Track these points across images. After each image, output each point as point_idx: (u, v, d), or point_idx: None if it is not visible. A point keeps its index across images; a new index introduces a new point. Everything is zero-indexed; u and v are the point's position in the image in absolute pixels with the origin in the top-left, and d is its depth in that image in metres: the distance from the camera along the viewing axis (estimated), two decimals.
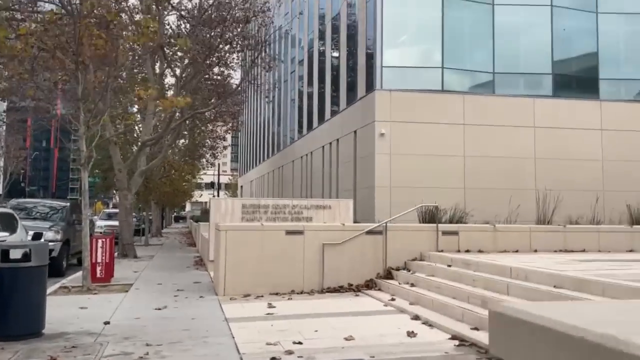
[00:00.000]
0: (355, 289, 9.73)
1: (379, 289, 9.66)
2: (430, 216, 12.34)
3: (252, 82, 20.07)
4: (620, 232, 11.31)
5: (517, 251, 10.42)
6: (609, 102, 20.42)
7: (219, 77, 23.27)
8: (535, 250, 10.51)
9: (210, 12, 18.26)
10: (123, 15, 12.88)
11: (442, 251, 10.11)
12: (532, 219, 18.16)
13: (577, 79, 21.07)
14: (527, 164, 19.62)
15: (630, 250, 10.83)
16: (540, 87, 20.27)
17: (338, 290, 9.74)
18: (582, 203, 19.04)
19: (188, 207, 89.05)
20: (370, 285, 9.88)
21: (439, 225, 10.50)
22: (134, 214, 21.92)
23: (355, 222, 13.85)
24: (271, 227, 10.02)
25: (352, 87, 22.22)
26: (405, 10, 19.75)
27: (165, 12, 18.11)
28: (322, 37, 27.38)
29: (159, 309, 8.26)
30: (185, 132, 25.45)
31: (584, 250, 10.62)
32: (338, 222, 12.81)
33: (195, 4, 17.71)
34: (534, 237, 10.69)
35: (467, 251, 10.23)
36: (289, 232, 9.82)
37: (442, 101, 19.19)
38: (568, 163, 19.76)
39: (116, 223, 21.65)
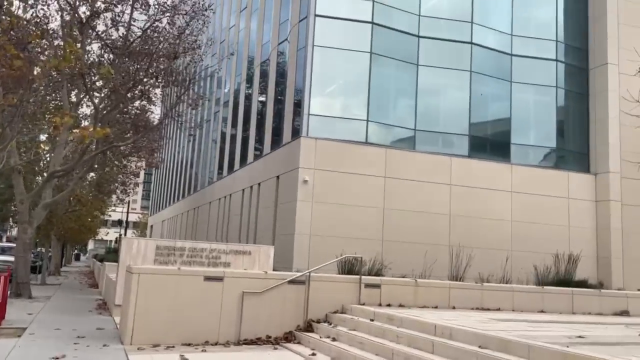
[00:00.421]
0: (273, 342, 9.27)
1: (299, 342, 9.26)
2: (349, 267, 12.22)
3: (176, 118, 19.46)
4: (532, 293, 11.65)
5: (436, 307, 10.43)
6: (519, 166, 21.59)
7: (139, 111, 22.49)
8: (454, 307, 10.57)
9: (136, 44, 17.73)
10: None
11: (364, 304, 9.93)
12: (446, 275, 18.52)
13: (492, 142, 22.18)
14: (443, 220, 20.15)
15: (541, 311, 11.15)
16: (458, 147, 21.11)
17: (256, 342, 9.25)
18: (492, 261, 19.69)
19: (91, 244, 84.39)
20: (289, 337, 9.46)
21: (363, 277, 10.34)
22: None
23: (274, 269, 13.46)
24: (189, 271, 9.43)
25: (277, 132, 22.14)
26: (334, 62, 20.12)
27: (89, 40, 17.37)
28: (249, 80, 27.33)
29: (57, 359, 7.42)
30: (96, 166, 24.18)
31: (499, 309, 10.81)
32: (257, 269, 12.39)
33: (122, 34, 17.13)
34: (452, 293, 10.77)
35: (389, 305, 10.11)
36: (207, 278, 9.28)
37: (365, 153, 19.48)
38: (480, 222, 20.50)
39: (11, 258, 19.84)
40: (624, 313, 11.46)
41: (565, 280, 16.80)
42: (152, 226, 61.14)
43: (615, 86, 22.39)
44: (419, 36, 21.00)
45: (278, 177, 20.91)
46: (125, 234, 52.91)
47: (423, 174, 20.01)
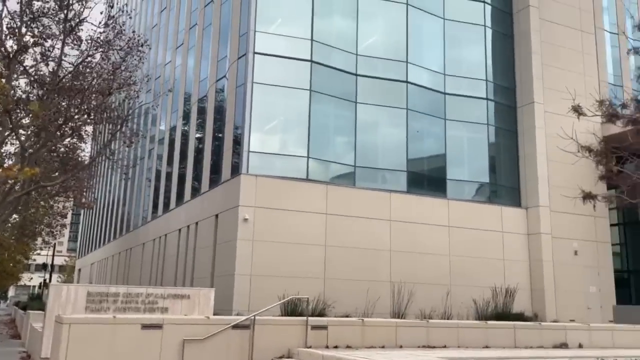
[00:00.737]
0: None
1: None
2: (292, 307, 11.93)
3: (110, 157, 18.69)
4: (476, 329, 11.69)
5: (383, 346, 10.25)
6: (455, 200, 22.07)
7: (68, 149, 21.52)
8: (401, 346, 10.43)
9: (67, 80, 17.04)
10: None
11: (310, 347, 9.62)
12: (388, 312, 18.48)
13: (428, 178, 22.63)
14: (384, 256, 20.18)
15: (486, 346, 11.18)
16: (397, 183, 21.38)
17: None
18: (433, 296, 19.83)
19: (12, 291, 79.29)
20: None
21: (309, 318, 10.04)
22: None
23: (215, 313, 12.92)
24: (125, 320, 8.84)
25: (216, 170, 21.71)
26: (274, 99, 20.08)
27: (15, 75, 16.55)
28: (186, 117, 26.84)
29: None
30: (20, 207, 22.84)
31: (445, 346, 10.76)
32: (197, 313, 11.84)
33: (53, 68, 16.43)
34: (399, 332, 10.64)
35: (336, 347, 9.84)
36: (145, 326, 8.72)
37: (306, 190, 19.35)
38: (420, 257, 20.69)
39: None
40: (563, 345, 11.68)
41: (504, 314, 17.09)
42: (80, 270, 58.17)
43: (542, 124, 23.52)
44: (356, 74, 21.36)
45: (217, 215, 20.39)
46: (50, 279, 50.04)
47: (364, 210, 20.07)
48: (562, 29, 25.24)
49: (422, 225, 21.04)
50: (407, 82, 22.10)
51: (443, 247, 21.34)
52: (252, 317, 9.53)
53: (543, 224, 22.69)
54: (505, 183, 23.80)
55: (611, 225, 24.99)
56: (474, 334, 11.35)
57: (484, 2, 24.40)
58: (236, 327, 9.33)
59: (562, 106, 24.09)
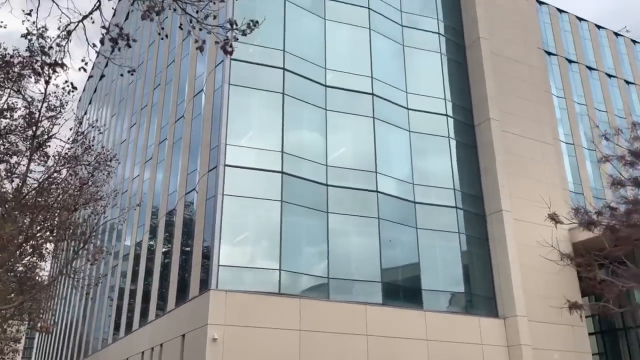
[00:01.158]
0: None
1: None
2: None
3: (72, 276, 17.69)
4: None
5: None
6: (431, 312, 21.43)
7: (27, 269, 20.42)
8: None
9: (30, 197, 16.49)
10: None
11: None
12: None
13: (404, 288, 22.12)
14: None
15: None
16: (372, 294, 20.75)
17: None
18: None
19: None
20: None
21: None
22: None
23: None
24: None
25: (183, 286, 20.79)
26: (244, 211, 19.79)
27: None
28: (153, 231, 26.18)
29: None
30: None
31: None
32: None
33: (18, 185, 15.92)
34: None
35: None
36: None
37: (278, 304, 18.53)
38: None
39: None
40: None
41: None
42: None
43: (511, 231, 23.67)
44: (327, 185, 21.42)
45: (184, 335, 19.20)
46: None
47: (339, 324, 19.23)
48: (523, 139, 26.28)
49: (400, 339, 20.21)
50: (377, 191, 22.23)
51: None
52: None
53: (522, 335, 22.05)
54: (480, 292, 23.40)
55: (589, 334, 24.50)
56: None
57: (446, 115, 25.40)
58: None
59: (530, 213, 24.52)
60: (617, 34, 37.47)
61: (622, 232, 10.38)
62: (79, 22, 6.22)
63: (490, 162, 24.94)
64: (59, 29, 6.46)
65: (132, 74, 7.34)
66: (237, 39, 6.27)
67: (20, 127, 16.94)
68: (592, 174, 34.53)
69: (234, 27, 6.04)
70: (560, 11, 34.83)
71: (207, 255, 19.24)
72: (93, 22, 6.42)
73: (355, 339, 19.36)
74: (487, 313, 22.73)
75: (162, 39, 7.08)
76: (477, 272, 23.82)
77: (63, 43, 7.19)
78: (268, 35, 21.47)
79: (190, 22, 6.13)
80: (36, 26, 7.04)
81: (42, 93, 14.14)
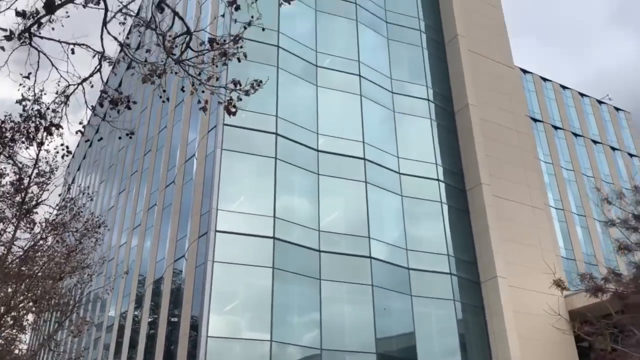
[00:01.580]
0: None
1: None
2: None
3: (54, 349, 16.79)
4: None
5: None
6: None
7: (6, 341, 19.41)
8: None
9: (14, 265, 15.90)
10: None
11: None
12: None
13: None
14: None
15: None
16: None
17: None
18: None
19: None
20: None
21: None
22: None
23: None
24: None
25: (170, 359, 19.88)
26: (235, 278, 19.23)
27: None
28: (139, 301, 25.35)
29: None
30: None
31: None
32: None
33: (2, 253, 15.34)
34: None
35: None
36: None
37: None
38: None
39: None
40: None
41: None
42: None
43: (508, 298, 23.17)
44: (319, 250, 21.02)
45: None
46: None
47: None
48: (514, 204, 26.24)
49: None
50: (370, 257, 21.84)
51: None
52: None
53: None
54: None
55: None
56: None
57: (438, 180, 25.42)
58: None
59: (525, 280, 24.16)
60: (600, 102, 38.49)
61: (630, 298, 10.13)
62: (78, 84, 6.09)
63: (483, 227, 24.75)
64: (56, 92, 6.32)
65: (130, 137, 7.14)
66: (241, 99, 6.17)
67: (8, 193, 16.57)
68: (582, 239, 34.51)
69: (238, 87, 5.96)
70: (544, 79, 35.85)
71: (195, 327, 18.52)
72: (92, 87, 6.31)
73: None
74: None
75: (163, 102, 6.95)
76: (474, 341, 23.11)
77: (59, 109, 7.03)
78: (261, 101, 21.65)
79: (193, 84, 6.04)
80: (33, 91, 6.89)
81: (32, 158, 13.91)
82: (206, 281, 18.47)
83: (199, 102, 6.43)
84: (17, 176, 14.10)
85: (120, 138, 8.15)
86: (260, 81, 6.33)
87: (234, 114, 6.23)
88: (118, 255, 31.16)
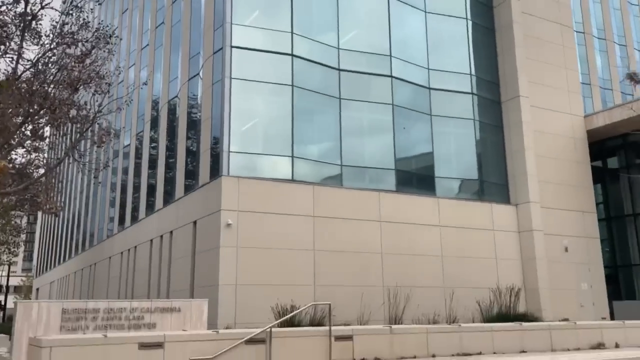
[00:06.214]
0: None
1: None
2: (283, 311, 11.10)
3: (79, 160, 16.75)
4: (512, 332, 10.58)
5: (415, 357, 9.02)
6: (445, 199, 21.12)
7: (27, 161, 19.56)
8: (434, 355, 9.22)
9: (25, 78, 15.24)
10: None
11: None
12: (382, 318, 17.30)
13: (417, 176, 21.61)
14: (375, 260, 18.99)
15: (523, 351, 10.09)
16: (385, 182, 20.26)
17: None
18: (427, 299, 18.81)
19: None
20: None
21: (333, 328, 8.73)
22: None
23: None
24: (118, 339, 7.34)
25: (192, 174, 20.14)
26: (254, 96, 18.69)
27: None
28: (155, 120, 25.12)
29: None
30: None
31: (480, 353, 9.61)
32: (189, 328, 10.37)
33: (12, 67, 14.59)
34: (430, 339, 9.43)
35: (364, 359, 8.55)
36: (143, 346, 7.26)
37: (292, 191, 18.02)
38: (411, 259, 19.62)
39: None
40: (601, 345, 10.71)
41: (507, 315, 16.18)
42: (37, 289, 54.91)
43: (528, 118, 22.87)
44: (339, 69, 20.20)
45: (195, 222, 18.82)
46: (5, 301, 46.94)
47: (353, 211, 18.87)
48: (543, 22, 24.81)
49: (413, 225, 20.01)
50: (391, 76, 21.10)
51: (435, 247, 20.33)
52: (269, 330, 8.16)
53: (534, 220, 21.96)
54: (493, 180, 23.00)
55: (598, 220, 24.49)
56: (509, 338, 10.24)
57: None
58: (250, 341, 7.95)
59: (547, 100, 23.67)
60: None
61: None
62: None
63: (509, 45, 23.62)
64: None
65: None
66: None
67: (9, 3, 15.35)
68: (600, 64, 33.33)
69: None
70: None
71: (216, 142, 18.41)
72: None
73: (369, 225, 19.10)
74: (500, 200, 22.48)
75: None
76: (491, 159, 23.28)
77: None
78: None
79: None
80: None
81: None
82: (224, 98, 17.94)
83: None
84: None
85: None
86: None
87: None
88: (127, 78, 30.37)
